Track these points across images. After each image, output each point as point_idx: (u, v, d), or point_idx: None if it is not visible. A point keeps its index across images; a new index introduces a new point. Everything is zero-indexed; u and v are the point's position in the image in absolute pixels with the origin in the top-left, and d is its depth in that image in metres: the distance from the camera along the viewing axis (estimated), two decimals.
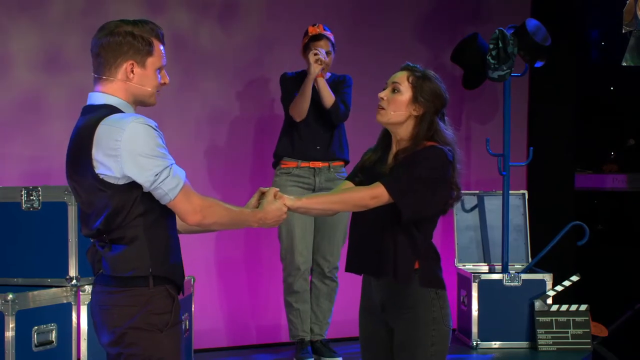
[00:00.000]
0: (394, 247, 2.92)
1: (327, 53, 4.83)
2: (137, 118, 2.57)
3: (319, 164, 4.89)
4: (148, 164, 2.54)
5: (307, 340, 4.92)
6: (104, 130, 2.56)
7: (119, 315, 2.62)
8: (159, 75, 2.72)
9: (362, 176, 3.07)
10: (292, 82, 4.90)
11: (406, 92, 3.00)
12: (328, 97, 4.80)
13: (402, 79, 3.01)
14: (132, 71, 2.66)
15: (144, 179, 2.54)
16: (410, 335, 2.94)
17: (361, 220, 3.02)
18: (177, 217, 2.67)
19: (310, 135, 4.87)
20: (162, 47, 2.73)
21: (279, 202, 2.86)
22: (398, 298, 2.96)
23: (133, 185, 2.57)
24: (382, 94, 3.03)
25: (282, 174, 4.89)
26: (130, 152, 2.52)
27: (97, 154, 2.56)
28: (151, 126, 2.57)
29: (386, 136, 3.11)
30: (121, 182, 2.56)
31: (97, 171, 2.56)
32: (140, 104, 2.73)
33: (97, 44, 2.67)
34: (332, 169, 4.88)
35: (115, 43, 2.64)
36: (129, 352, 2.62)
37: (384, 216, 2.92)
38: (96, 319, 2.70)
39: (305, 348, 4.89)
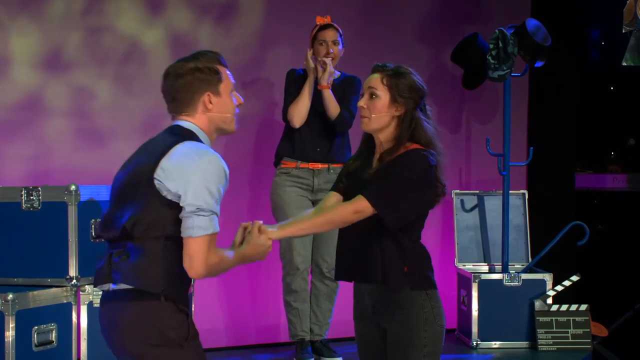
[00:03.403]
0: (381, 253, 2.91)
1: (335, 43, 4.84)
2: (218, 156, 2.63)
3: (319, 166, 4.88)
4: (202, 195, 2.56)
5: (307, 340, 4.92)
6: (185, 147, 2.62)
7: (133, 335, 2.59)
8: (233, 98, 2.79)
9: (346, 182, 3.05)
10: (296, 83, 4.89)
11: (384, 95, 2.98)
12: (333, 109, 4.79)
13: (377, 82, 2.99)
14: (210, 102, 2.72)
15: (188, 203, 2.55)
16: (403, 337, 2.93)
17: (348, 228, 2.99)
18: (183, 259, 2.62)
19: (311, 136, 4.86)
20: (228, 71, 2.79)
21: (262, 237, 2.85)
22: (389, 301, 2.96)
23: (175, 206, 2.58)
24: (361, 103, 3.01)
25: (282, 173, 4.89)
26: (199, 177, 2.56)
27: (165, 162, 2.59)
28: (226, 171, 2.63)
29: (369, 140, 3.09)
30: (168, 197, 2.58)
31: (155, 175, 2.58)
32: (221, 133, 2.80)
33: (169, 90, 2.72)
34: (331, 171, 4.87)
35: (187, 83, 2.70)
36: None
37: (370, 223, 2.91)
38: (111, 340, 2.67)
39: (305, 348, 4.89)
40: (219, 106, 2.74)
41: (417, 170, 2.90)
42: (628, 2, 4.87)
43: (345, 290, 4.97)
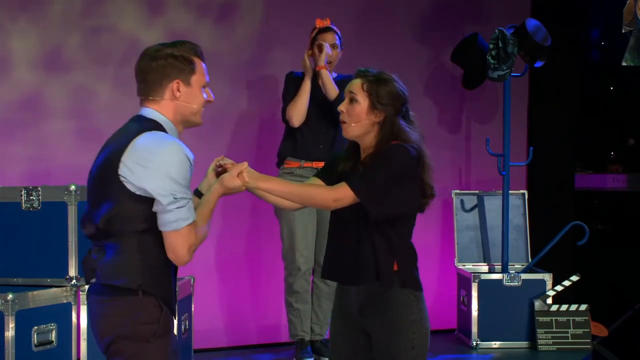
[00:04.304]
0: (372, 250, 2.90)
1: (334, 46, 4.85)
2: (179, 144, 2.62)
3: (321, 164, 4.88)
4: (172, 187, 2.56)
5: (306, 340, 4.92)
6: (144, 140, 2.61)
7: (107, 324, 2.62)
8: (204, 93, 2.77)
9: (331, 179, 3.02)
10: (295, 85, 4.90)
11: (363, 101, 2.96)
12: (332, 90, 4.80)
13: (357, 88, 2.98)
14: (179, 90, 2.71)
15: (162, 197, 2.55)
16: (390, 339, 2.93)
17: (337, 228, 2.99)
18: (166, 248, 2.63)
19: (313, 135, 4.87)
20: (203, 65, 2.78)
21: (237, 181, 2.78)
22: (377, 301, 2.94)
23: (145, 200, 2.58)
24: (341, 107, 3.00)
25: (285, 173, 4.89)
26: (161, 169, 2.56)
27: (127, 159, 2.58)
28: (188, 158, 2.61)
29: (355, 144, 3.07)
30: (137, 192, 2.58)
31: (119, 172, 2.58)
32: (186, 124, 2.77)
33: (141, 70, 2.73)
34: None
35: (159, 66, 2.70)
36: None
37: (359, 222, 2.91)
38: (92, 329, 2.72)
39: (305, 348, 4.89)
40: (187, 96, 2.72)
41: (398, 159, 2.88)
42: (628, 2, 4.87)
43: None
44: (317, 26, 4.90)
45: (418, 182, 2.94)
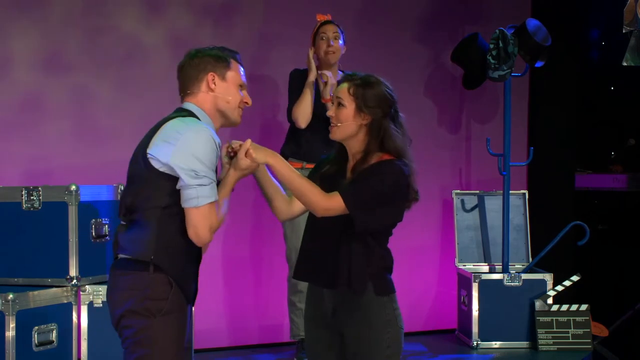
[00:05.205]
0: (348, 257, 2.91)
1: (336, 37, 4.85)
2: (207, 127, 2.73)
3: None
4: (196, 164, 2.65)
5: None
6: (175, 122, 2.73)
7: (119, 298, 2.73)
8: (242, 93, 2.89)
9: (320, 184, 3.02)
10: (300, 82, 4.89)
11: (350, 105, 2.98)
12: None
13: (344, 92, 3.00)
14: (214, 82, 2.83)
15: (185, 173, 2.64)
16: (364, 339, 2.93)
17: (315, 229, 3.00)
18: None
19: (315, 136, 4.86)
20: (241, 68, 2.91)
21: (247, 160, 2.83)
22: (351, 304, 2.95)
23: (169, 178, 2.68)
24: (329, 112, 3.03)
25: None
26: (186, 147, 2.66)
27: (157, 137, 2.71)
28: (215, 141, 2.71)
29: (343, 148, 3.09)
30: (161, 169, 2.68)
31: (148, 150, 2.70)
32: (224, 119, 2.88)
33: (181, 67, 2.88)
34: None
35: (196, 63, 2.86)
36: (125, 335, 2.72)
37: (339, 226, 2.91)
38: (107, 303, 2.83)
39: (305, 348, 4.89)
40: (223, 89, 2.85)
41: (392, 181, 2.91)
42: (628, 2, 4.87)
43: None
44: (319, 20, 4.90)
45: (407, 195, 2.96)
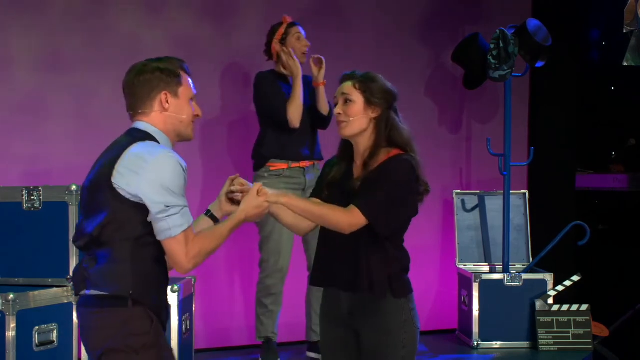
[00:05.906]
0: (367, 262, 2.92)
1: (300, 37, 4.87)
2: (172, 152, 2.65)
3: (307, 163, 4.90)
4: (165, 195, 2.58)
5: (274, 340, 4.91)
6: (138, 149, 2.64)
7: (97, 337, 2.62)
8: (192, 107, 2.80)
9: (328, 192, 3.04)
10: (276, 83, 4.88)
11: (358, 99, 3.01)
12: (326, 106, 4.86)
13: (349, 88, 3.02)
14: (167, 101, 2.74)
15: (155, 205, 2.58)
16: (381, 339, 2.94)
17: (331, 234, 2.99)
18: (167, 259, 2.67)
19: (299, 135, 4.86)
20: (189, 79, 2.81)
21: (260, 199, 2.83)
22: (369, 306, 2.96)
23: (139, 207, 2.60)
24: (337, 110, 3.03)
25: (272, 176, 4.84)
26: (153, 177, 2.58)
27: (120, 166, 2.61)
28: (182, 166, 2.63)
29: (347, 148, 3.09)
30: (132, 199, 2.60)
31: (113, 179, 2.60)
32: (178, 137, 2.80)
33: (129, 84, 2.76)
34: (316, 167, 4.90)
35: (146, 80, 2.73)
36: None
37: (355, 233, 2.91)
38: (82, 341, 2.71)
39: (272, 348, 4.89)
40: (176, 108, 2.75)
41: (403, 176, 2.93)
42: (629, 2, 4.87)
43: None
44: (285, 21, 4.91)
45: (418, 188, 2.98)
